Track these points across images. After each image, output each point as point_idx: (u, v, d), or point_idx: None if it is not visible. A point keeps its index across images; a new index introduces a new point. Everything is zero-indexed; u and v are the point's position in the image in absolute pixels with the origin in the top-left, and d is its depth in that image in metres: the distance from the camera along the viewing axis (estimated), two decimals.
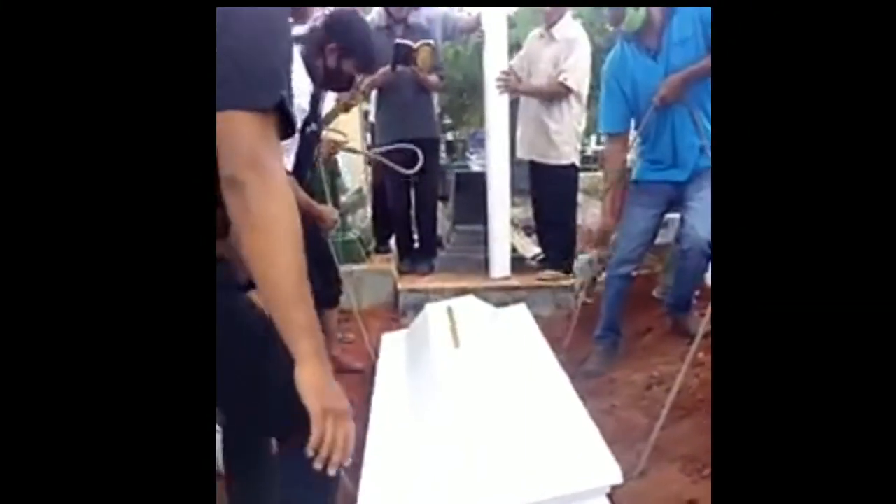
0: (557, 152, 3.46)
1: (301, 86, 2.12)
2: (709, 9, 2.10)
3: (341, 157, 3.46)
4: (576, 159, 3.57)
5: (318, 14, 2.42)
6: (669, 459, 1.75)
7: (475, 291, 3.52)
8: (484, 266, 3.75)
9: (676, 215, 2.65)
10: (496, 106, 3.50)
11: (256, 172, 0.85)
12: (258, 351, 1.05)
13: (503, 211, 3.64)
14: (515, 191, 3.87)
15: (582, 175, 3.97)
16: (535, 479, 1.30)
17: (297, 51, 2.13)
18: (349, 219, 3.79)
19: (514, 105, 3.65)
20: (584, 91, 3.45)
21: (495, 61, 3.43)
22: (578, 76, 3.36)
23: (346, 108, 2.84)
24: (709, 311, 1.80)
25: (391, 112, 3.60)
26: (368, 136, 4.49)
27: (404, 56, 3.30)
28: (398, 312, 3.56)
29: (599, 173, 6.77)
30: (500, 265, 3.68)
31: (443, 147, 6.20)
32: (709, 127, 2.40)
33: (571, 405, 1.62)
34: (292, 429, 1.01)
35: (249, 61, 0.84)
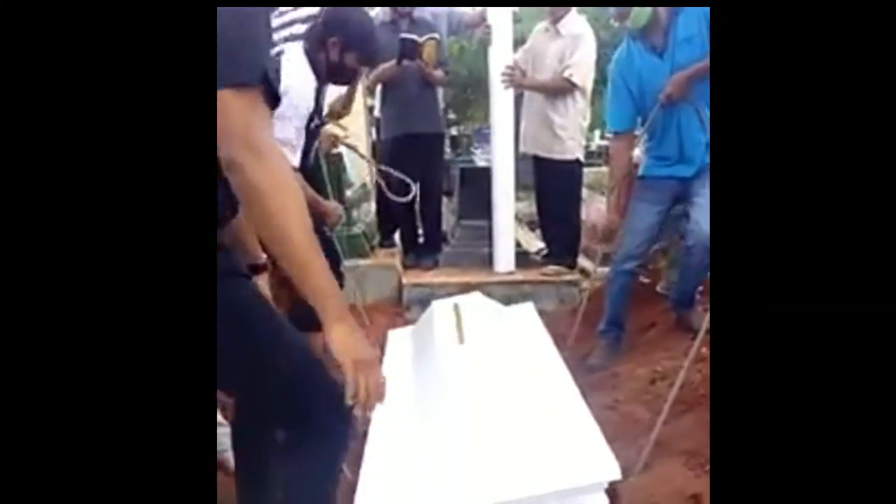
0: (562, 147, 3.47)
1: (305, 81, 2.12)
2: None
3: (346, 152, 3.46)
4: (580, 154, 3.58)
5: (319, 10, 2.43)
6: (673, 454, 1.76)
7: (479, 286, 3.53)
8: (488, 261, 3.76)
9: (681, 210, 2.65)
10: (501, 101, 3.50)
11: (251, 150, 0.88)
12: (265, 340, 1.07)
13: (507, 206, 3.65)
14: (520, 186, 3.88)
15: (586, 170, 3.97)
16: (533, 474, 1.31)
17: (299, 46, 2.14)
18: (354, 213, 3.80)
19: (518, 100, 3.65)
20: (589, 86, 3.45)
21: (500, 56, 3.44)
22: (583, 72, 3.36)
23: (338, 116, 2.84)
24: None
25: (396, 107, 3.60)
26: (374, 130, 4.49)
27: (410, 50, 3.30)
28: (402, 307, 3.57)
29: (603, 168, 6.77)
30: (504, 260, 3.69)
31: (447, 142, 6.20)
32: None
33: (573, 402, 1.63)
34: (300, 418, 1.03)
35: (229, 40, 0.85)
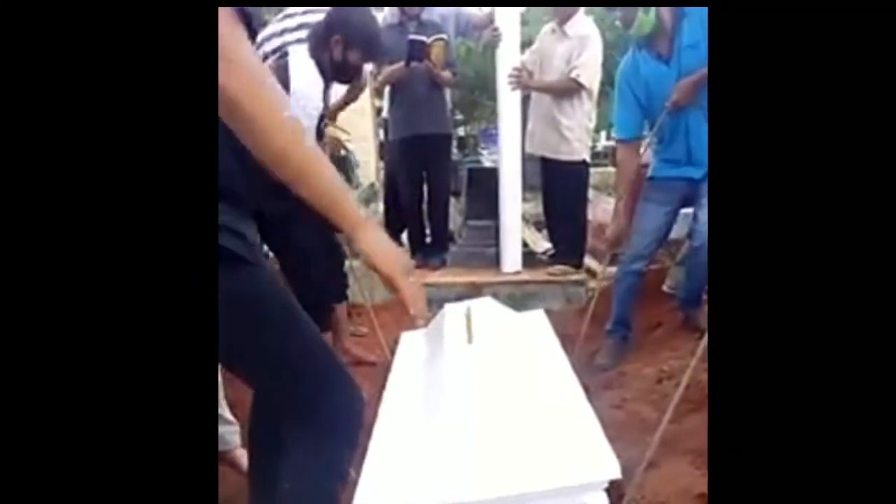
0: (568, 148, 3.48)
1: (312, 83, 2.15)
2: None
3: (354, 153, 3.49)
4: (586, 155, 3.59)
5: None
6: (679, 453, 1.77)
7: (486, 286, 3.56)
8: (495, 261, 3.78)
9: (689, 210, 2.66)
10: (509, 102, 3.52)
11: (223, 60, 0.81)
12: (281, 330, 1.06)
13: (514, 206, 3.67)
14: (527, 186, 3.89)
15: (592, 171, 3.99)
16: (533, 471, 1.32)
17: (304, 48, 2.17)
18: (362, 213, 3.81)
19: (525, 101, 3.67)
20: (596, 87, 3.46)
21: (508, 58, 3.45)
22: (590, 72, 3.37)
23: (332, 116, 2.85)
24: None
25: (404, 108, 3.62)
26: (381, 132, 4.52)
27: (418, 51, 3.32)
28: None
29: (610, 169, 6.78)
30: (511, 260, 3.70)
31: (454, 143, 6.21)
32: None
33: (576, 402, 1.64)
34: (311, 409, 1.03)
35: None
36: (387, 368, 2.26)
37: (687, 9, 2.39)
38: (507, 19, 3.43)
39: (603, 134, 8.72)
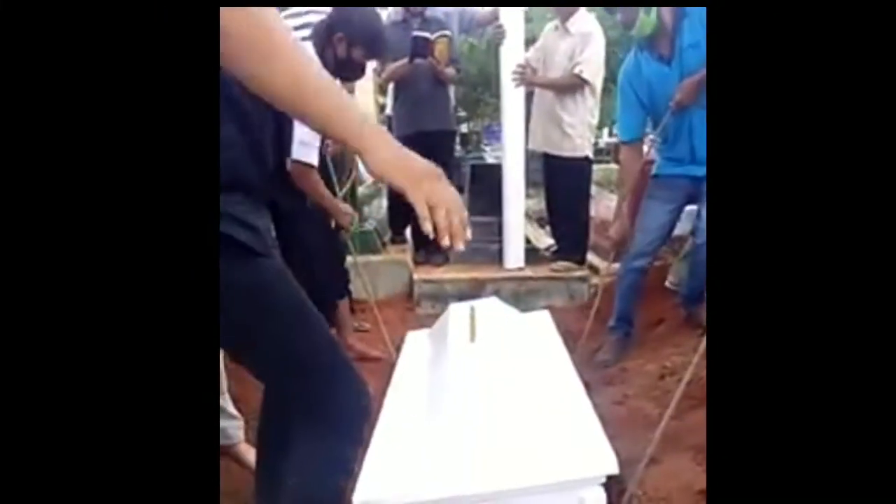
0: (571, 145, 3.49)
1: None
2: None
3: None
4: (589, 152, 3.60)
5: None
6: (681, 449, 1.78)
7: (489, 282, 3.57)
8: (498, 257, 3.79)
9: (693, 207, 2.67)
10: (512, 99, 3.53)
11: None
12: (289, 322, 1.06)
13: (517, 203, 3.68)
14: (529, 183, 3.90)
15: (594, 167, 3.99)
16: (532, 465, 1.34)
17: (308, 46, 2.18)
18: (365, 210, 3.83)
19: (528, 98, 3.67)
20: (599, 83, 3.47)
21: (512, 55, 3.46)
22: (593, 68, 3.38)
23: None
24: None
25: (408, 105, 3.63)
26: (385, 129, 4.52)
27: (422, 48, 3.32)
28: (413, 302, 3.61)
29: (612, 165, 6.78)
30: (514, 256, 3.72)
31: (457, 139, 6.22)
32: None
33: (576, 398, 1.66)
34: (318, 401, 1.03)
35: None
36: (390, 364, 2.27)
37: (687, 9, 2.39)
38: (511, 16, 3.43)
39: (605, 130, 8.72)
